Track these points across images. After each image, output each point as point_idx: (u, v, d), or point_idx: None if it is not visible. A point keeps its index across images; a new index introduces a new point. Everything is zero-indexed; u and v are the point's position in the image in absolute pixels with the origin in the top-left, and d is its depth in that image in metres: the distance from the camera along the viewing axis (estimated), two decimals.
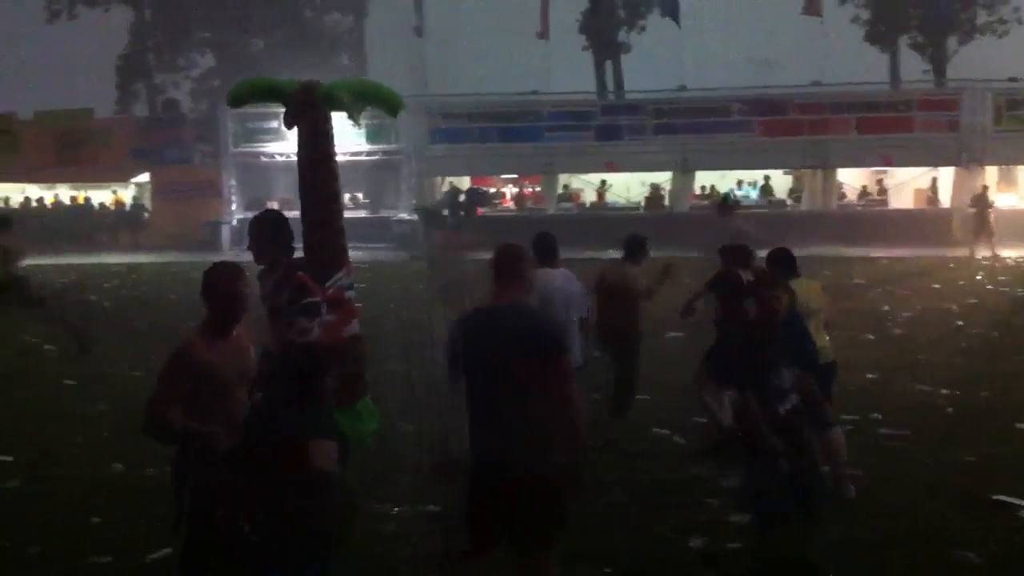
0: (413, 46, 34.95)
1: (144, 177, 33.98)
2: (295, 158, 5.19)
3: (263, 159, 31.12)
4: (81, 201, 35.20)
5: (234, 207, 31.47)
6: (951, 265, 21.77)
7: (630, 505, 6.80)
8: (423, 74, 33.48)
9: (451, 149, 30.69)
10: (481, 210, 31.16)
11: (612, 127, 30.31)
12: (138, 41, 42.77)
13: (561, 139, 30.41)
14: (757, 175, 31.46)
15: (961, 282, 18.87)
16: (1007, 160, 28.76)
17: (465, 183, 32.26)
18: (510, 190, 33.89)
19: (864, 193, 30.99)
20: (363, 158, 30.79)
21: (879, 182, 31.34)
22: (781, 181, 31.79)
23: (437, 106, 31.15)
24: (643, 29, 38.92)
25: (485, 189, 32.47)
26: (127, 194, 35.66)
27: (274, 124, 31.04)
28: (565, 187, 32.20)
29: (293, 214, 5.20)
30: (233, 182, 31.52)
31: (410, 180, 30.92)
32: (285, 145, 30.51)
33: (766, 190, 31.29)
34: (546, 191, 31.08)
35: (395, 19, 37.91)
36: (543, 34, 34.21)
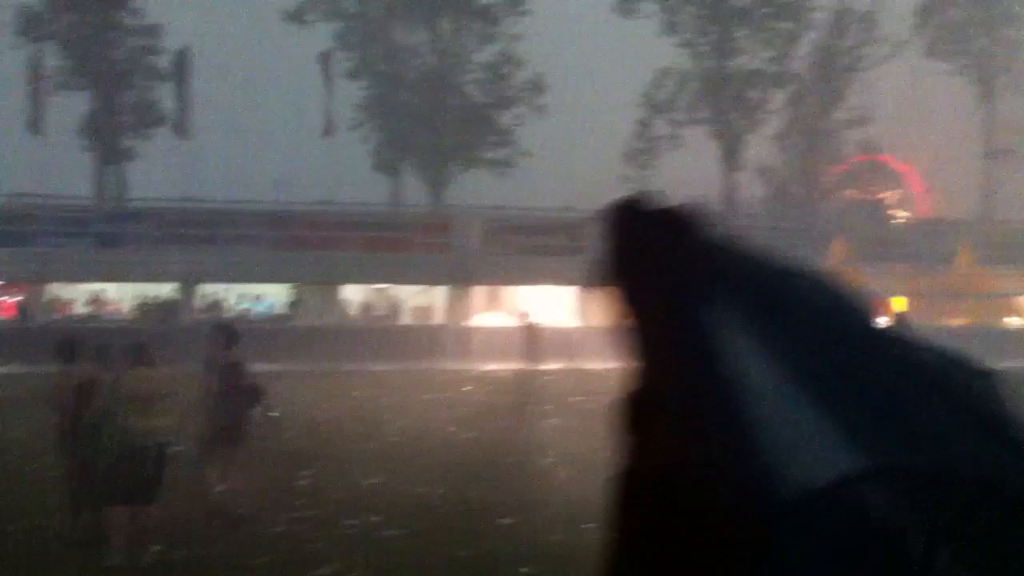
0: None
1: None
2: None
3: None
4: None
5: None
6: (442, 378, 23.03)
7: None
8: None
9: None
10: None
11: (113, 234, 28.80)
12: None
13: (55, 245, 28.21)
14: (264, 288, 31.41)
15: (448, 393, 20.01)
16: (494, 280, 31.31)
17: None
18: None
19: (368, 308, 32.14)
20: None
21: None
22: (284, 296, 31.92)
23: None
24: (148, 137, 37.61)
25: None
26: None
27: None
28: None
29: None
30: None
31: None
32: None
33: (291, 305, 31.27)
34: (34, 301, 28.42)
35: None
36: (36, 129, 31.79)
